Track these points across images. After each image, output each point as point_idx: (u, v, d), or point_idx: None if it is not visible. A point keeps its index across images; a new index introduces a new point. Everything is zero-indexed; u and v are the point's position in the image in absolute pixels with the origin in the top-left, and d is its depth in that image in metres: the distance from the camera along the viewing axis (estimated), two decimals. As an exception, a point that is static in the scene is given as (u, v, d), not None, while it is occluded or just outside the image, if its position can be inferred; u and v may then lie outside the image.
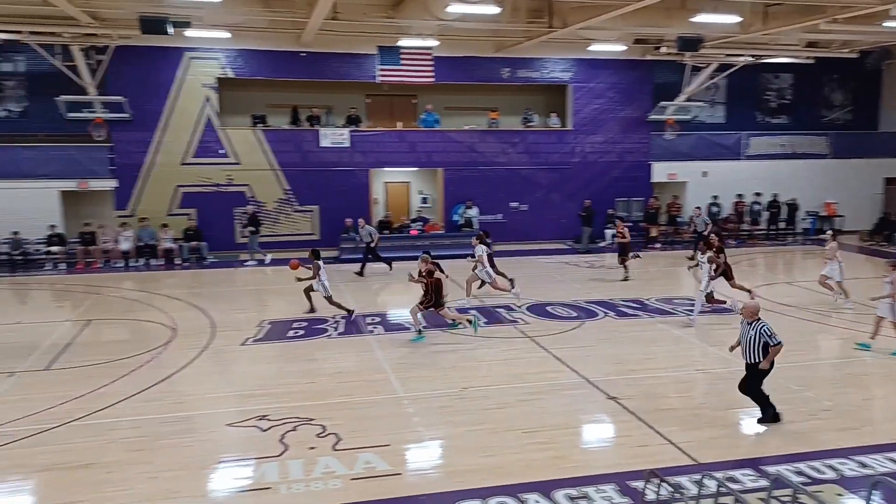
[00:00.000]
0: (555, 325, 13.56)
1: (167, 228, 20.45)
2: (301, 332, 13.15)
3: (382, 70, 20.45)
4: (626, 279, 17.51)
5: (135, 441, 8.34)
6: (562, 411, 9.23)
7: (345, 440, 8.30)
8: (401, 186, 24.30)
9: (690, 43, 19.72)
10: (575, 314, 14.44)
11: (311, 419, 8.88)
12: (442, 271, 13.44)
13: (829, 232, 16.64)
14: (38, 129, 20.65)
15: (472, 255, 15.69)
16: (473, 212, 22.82)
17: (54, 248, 19.69)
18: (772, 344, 8.27)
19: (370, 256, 18.83)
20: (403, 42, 19.88)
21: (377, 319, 14.08)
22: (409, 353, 11.88)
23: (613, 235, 22.58)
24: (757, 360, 8.40)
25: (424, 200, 24.21)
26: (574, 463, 7.77)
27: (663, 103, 24.07)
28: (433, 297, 12.57)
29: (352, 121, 22.55)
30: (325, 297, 13.89)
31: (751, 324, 8.44)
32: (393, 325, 13.82)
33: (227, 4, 15.84)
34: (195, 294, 16.40)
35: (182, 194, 21.22)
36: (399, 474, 7.57)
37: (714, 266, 13.71)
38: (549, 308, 14.90)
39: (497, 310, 14.77)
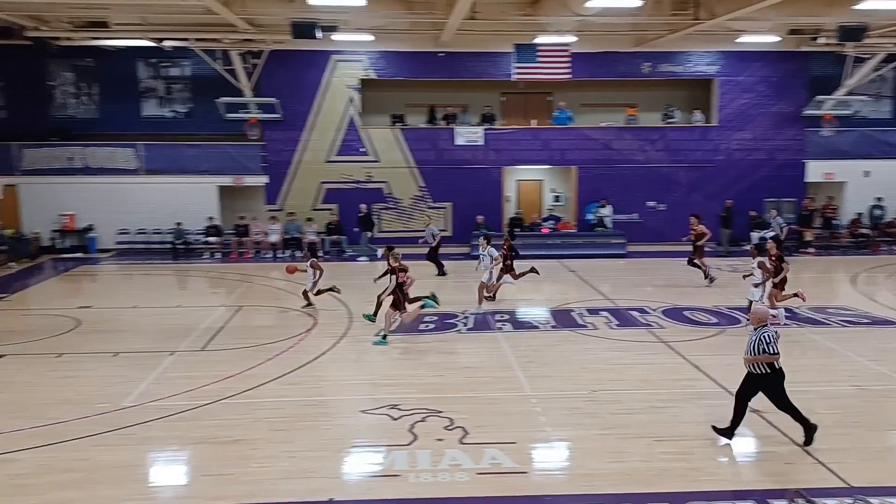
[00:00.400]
0: (693, 331, 12.99)
1: (311, 222, 21.58)
2: (431, 325, 13.43)
3: (518, 68, 20.42)
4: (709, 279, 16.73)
5: (277, 421, 8.88)
6: (698, 421, 8.81)
7: (472, 434, 8.39)
8: (533, 184, 24.17)
9: (853, 32, 18.14)
10: (715, 320, 13.75)
11: (440, 411, 9.05)
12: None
13: None
14: (200, 128, 22.59)
15: (489, 257, 14.71)
16: (607, 211, 22.30)
17: (211, 239, 21.36)
18: (769, 352, 7.65)
19: (431, 255, 18.49)
20: (540, 39, 19.74)
21: (505, 317, 14.10)
22: (539, 352, 11.80)
23: (762, 238, 21.32)
24: (758, 370, 7.82)
25: (557, 199, 23.95)
26: (710, 476, 7.41)
27: (820, 97, 22.31)
28: (400, 297, 12.28)
29: (486, 119, 22.72)
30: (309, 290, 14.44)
31: (756, 329, 7.87)
32: (522, 322, 13.80)
33: (371, 7, 16.44)
34: (340, 286, 17.12)
35: (325, 190, 22.31)
36: (525, 472, 7.55)
37: (764, 273, 12.87)
38: (686, 313, 14.28)
39: (630, 312, 14.35)
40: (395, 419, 8.88)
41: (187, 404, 9.40)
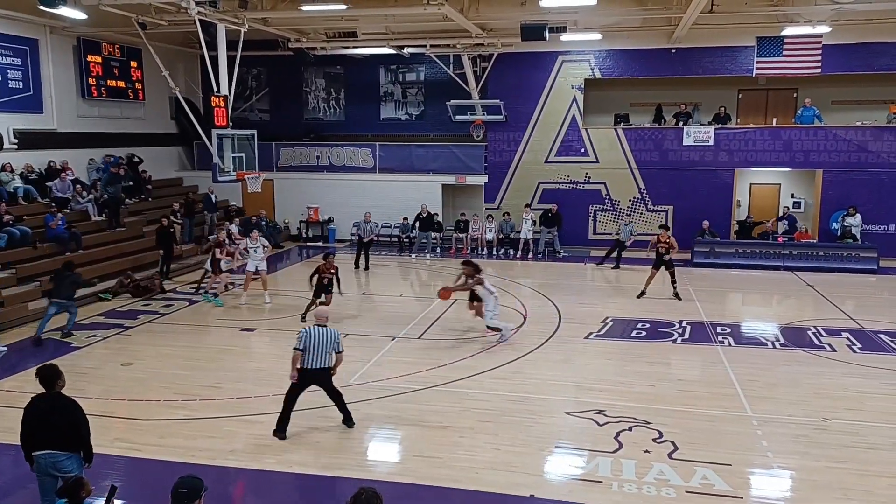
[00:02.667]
0: (959, 364, 11.15)
1: (535, 223, 21.81)
2: (644, 333, 12.97)
3: (760, 62, 18.95)
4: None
5: (484, 413, 9.18)
6: (957, 467, 7.60)
7: (682, 450, 8.01)
8: (769, 188, 22.23)
9: None
10: None
11: (649, 422, 8.75)
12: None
13: None
14: (430, 130, 23.97)
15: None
16: (855, 220, 19.80)
17: (433, 234, 22.51)
18: None
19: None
20: (788, 31, 18.10)
21: (727, 329, 13.18)
22: (764, 370, 10.89)
23: None
24: None
25: (797, 204, 21.79)
26: (969, 533, 6.36)
27: None
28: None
29: (720, 119, 21.32)
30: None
31: None
32: (746, 337, 12.81)
33: (602, 6, 16.22)
34: (547, 285, 17.26)
35: (543, 190, 22.46)
36: (740, 498, 7.06)
37: None
38: (952, 342, 12.29)
39: (878, 335, 12.68)
40: (601, 425, 8.74)
41: (403, 387, 10.07)
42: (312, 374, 8.36)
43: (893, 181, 19.96)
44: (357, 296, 16.44)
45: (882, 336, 12.66)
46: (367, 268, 19.19)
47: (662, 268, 15.54)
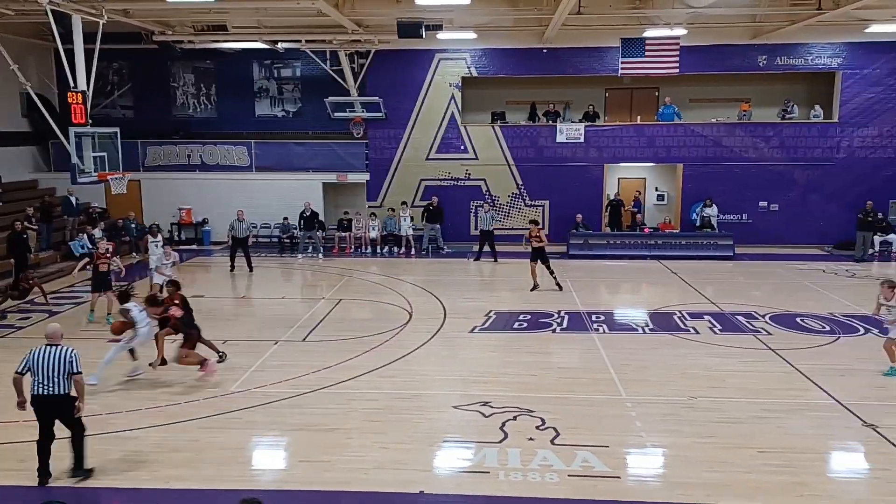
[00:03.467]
0: (804, 339, 12.27)
1: (413, 219, 21.91)
2: (525, 324, 13.36)
3: (625, 63, 19.90)
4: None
5: (372, 412, 9.12)
6: (806, 434, 8.35)
7: (563, 435, 8.31)
8: (635, 182, 23.52)
9: None
10: (828, 328, 12.93)
11: (532, 411, 9.01)
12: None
13: None
14: (308, 127, 23.48)
15: None
16: (712, 210, 21.37)
17: (319, 233, 22.07)
18: None
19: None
20: (649, 33, 19.19)
21: (602, 317, 13.83)
22: (635, 355, 11.51)
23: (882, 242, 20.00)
24: None
25: (661, 197, 23.21)
26: (816, 492, 7.01)
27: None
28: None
29: (589, 117, 22.30)
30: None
31: None
32: (619, 324, 13.49)
33: (476, 5, 16.51)
34: (430, 281, 17.40)
35: (425, 187, 22.61)
36: (618, 478, 7.40)
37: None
38: (798, 319, 13.51)
39: (736, 317, 13.72)
40: (487, 416, 8.91)
41: (288, 392, 9.81)
42: (47, 402, 7.16)
43: (746, 174, 21.67)
44: (233, 299, 15.87)
45: (739, 317, 13.70)
46: (250, 269, 18.57)
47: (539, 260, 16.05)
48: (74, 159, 14.69)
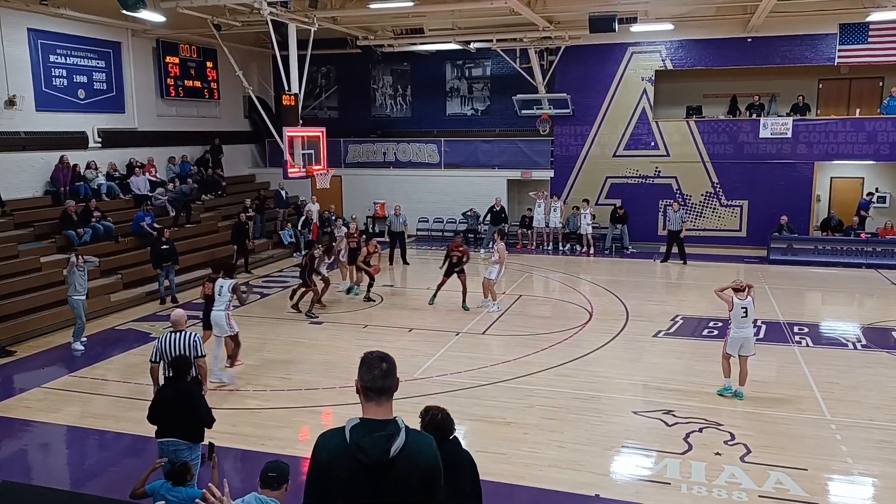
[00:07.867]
0: None
1: (594, 217, 21.49)
2: (715, 332, 12.58)
3: (843, 50, 18.12)
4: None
5: (549, 410, 9.10)
6: None
7: (755, 453, 7.75)
8: (851, 182, 21.19)
9: None
10: None
11: (720, 424, 8.50)
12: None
13: None
14: (495, 125, 23.90)
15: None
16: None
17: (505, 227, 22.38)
18: None
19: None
20: (875, 16, 17.20)
21: (805, 329, 12.65)
22: (844, 373, 10.42)
23: None
24: None
25: (881, 199, 20.67)
26: None
27: None
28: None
29: (798, 110, 20.44)
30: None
31: None
32: (826, 337, 12.27)
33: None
34: (613, 282, 16.97)
35: (611, 185, 22.06)
36: (816, 504, 6.77)
37: None
38: None
39: (973, 339, 11.92)
40: (670, 425, 8.54)
41: (467, 382, 10.08)
42: None
43: None
44: (423, 290, 16.54)
45: (976, 339, 11.91)
46: (405, 262, 19.26)
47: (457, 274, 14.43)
48: (287, 156, 16.11)
